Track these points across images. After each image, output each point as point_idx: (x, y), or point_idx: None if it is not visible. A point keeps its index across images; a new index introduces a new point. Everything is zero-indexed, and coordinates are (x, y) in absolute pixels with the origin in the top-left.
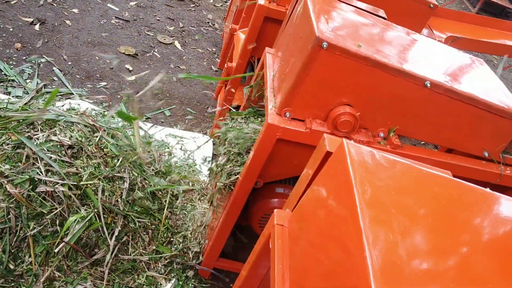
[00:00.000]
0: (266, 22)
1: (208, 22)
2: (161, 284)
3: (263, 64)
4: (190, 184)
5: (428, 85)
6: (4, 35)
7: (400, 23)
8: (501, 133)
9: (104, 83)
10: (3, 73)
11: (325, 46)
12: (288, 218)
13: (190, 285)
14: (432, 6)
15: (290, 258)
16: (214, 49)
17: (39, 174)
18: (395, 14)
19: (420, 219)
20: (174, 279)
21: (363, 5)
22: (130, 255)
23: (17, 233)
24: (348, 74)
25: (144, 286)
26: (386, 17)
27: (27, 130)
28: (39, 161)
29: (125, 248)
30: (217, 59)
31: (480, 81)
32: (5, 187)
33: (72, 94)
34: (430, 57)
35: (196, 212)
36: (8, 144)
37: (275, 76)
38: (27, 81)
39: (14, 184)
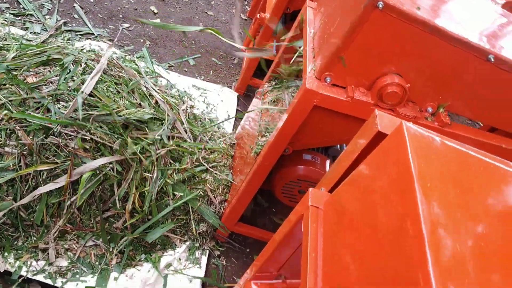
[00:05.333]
0: None
1: None
2: (175, 244)
3: (302, 19)
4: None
5: (492, 59)
6: None
7: None
8: None
9: (127, 25)
10: (21, 6)
11: (380, 6)
12: (324, 199)
13: (206, 248)
14: None
15: (324, 244)
16: None
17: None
18: None
19: (488, 222)
20: (189, 242)
21: None
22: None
23: (29, 182)
24: (402, 39)
25: (158, 246)
26: None
27: (42, 72)
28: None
29: (142, 205)
30: (247, 7)
31: None
32: (18, 133)
33: (93, 34)
34: (498, 28)
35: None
36: (23, 89)
37: (316, 34)
38: (46, 17)
39: (26, 132)
